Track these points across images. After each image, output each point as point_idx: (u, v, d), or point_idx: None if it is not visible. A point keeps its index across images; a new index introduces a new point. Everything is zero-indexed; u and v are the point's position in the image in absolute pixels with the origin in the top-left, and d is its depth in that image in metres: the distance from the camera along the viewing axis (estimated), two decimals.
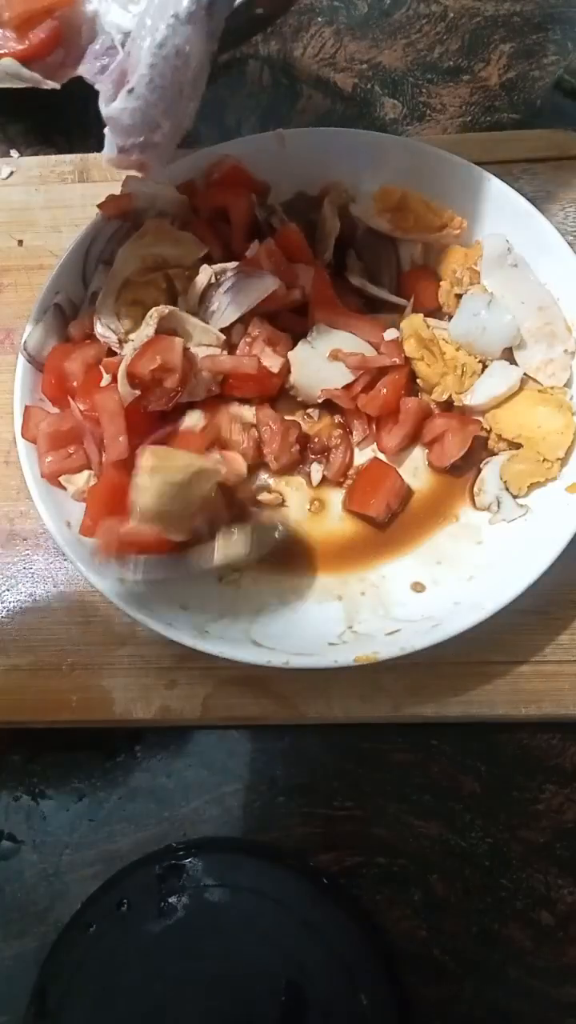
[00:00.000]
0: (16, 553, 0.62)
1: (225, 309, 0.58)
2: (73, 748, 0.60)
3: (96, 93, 0.44)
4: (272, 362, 0.58)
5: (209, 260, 0.59)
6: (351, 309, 0.61)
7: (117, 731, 0.60)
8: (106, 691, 0.58)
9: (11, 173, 0.70)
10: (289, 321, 0.61)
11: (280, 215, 0.61)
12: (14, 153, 0.72)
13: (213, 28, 0.41)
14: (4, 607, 0.61)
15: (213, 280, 0.58)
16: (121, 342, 0.58)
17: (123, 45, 0.43)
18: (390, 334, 0.60)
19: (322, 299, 0.60)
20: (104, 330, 0.58)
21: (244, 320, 0.59)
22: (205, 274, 0.58)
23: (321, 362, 0.59)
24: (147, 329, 0.56)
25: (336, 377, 0.59)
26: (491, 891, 0.57)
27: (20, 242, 0.68)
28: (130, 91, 0.41)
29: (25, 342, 0.59)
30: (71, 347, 0.60)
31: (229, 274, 0.58)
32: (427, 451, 0.61)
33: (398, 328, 0.60)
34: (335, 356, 0.59)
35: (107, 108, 0.42)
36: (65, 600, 0.61)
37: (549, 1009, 0.55)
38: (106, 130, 0.43)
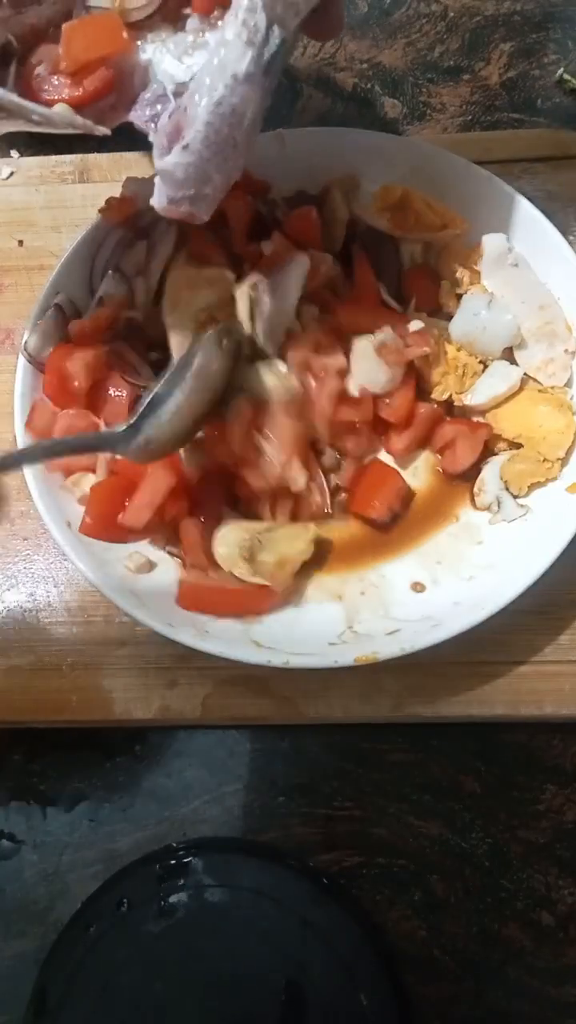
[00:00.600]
0: (16, 553, 0.62)
1: (274, 314, 0.57)
2: (73, 748, 0.60)
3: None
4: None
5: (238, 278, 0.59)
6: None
7: (117, 731, 0.60)
8: (106, 691, 0.58)
9: (11, 173, 0.70)
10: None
11: (283, 208, 0.62)
12: (14, 153, 0.72)
13: (269, 85, 0.42)
14: (4, 607, 0.61)
15: (252, 295, 0.57)
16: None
17: (175, 95, 0.44)
18: (415, 325, 0.60)
19: (364, 290, 0.60)
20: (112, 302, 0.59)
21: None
22: (243, 300, 0.57)
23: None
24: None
25: (378, 378, 0.59)
26: (491, 891, 0.57)
27: (20, 242, 0.68)
28: (185, 147, 0.41)
29: (25, 342, 0.59)
30: (72, 347, 0.60)
31: (254, 278, 0.57)
32: (438, 457, 0.61)
33: None
34: (384, 351, 0.58)
35: (161, 161, 0.42)
36: (65, 600, 0.61)
37: (549, 1009, 0.55)
38: (157, 180, 0.44)
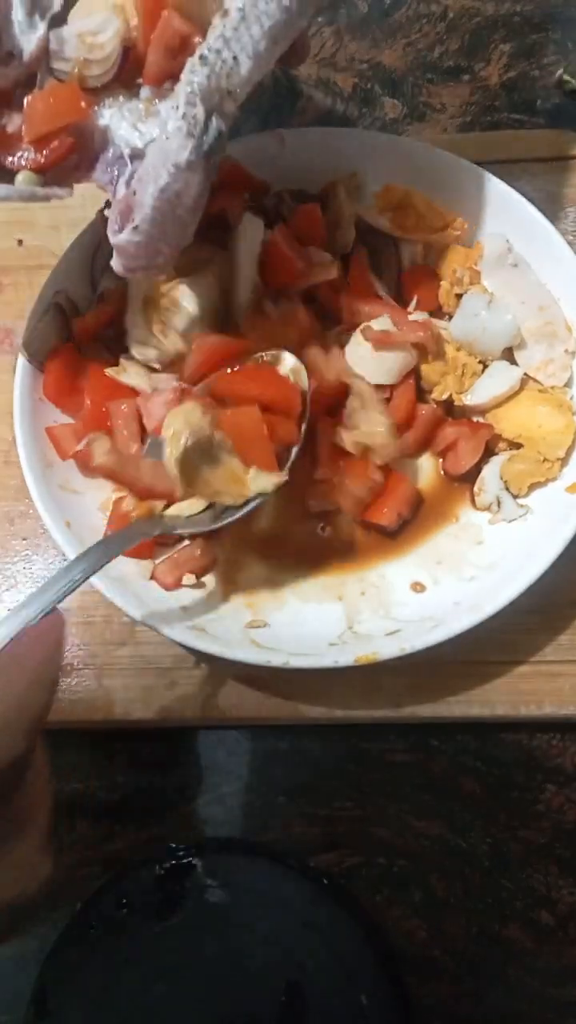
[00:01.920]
0: (16, 553, 0.62)
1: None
2: (73, 748, 0.60)
3: None
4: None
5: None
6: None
7: (117, 731, 0.60)
8: (106, 691, 0.58)
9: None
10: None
11: (289, 203, 0.62)
12: None
13: (211, 167, 0.44)
14: (4, 607, 0.61)
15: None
16: (161, 361, 0.58)
17: (131, 158, 0.46)
18: (416, 316, 0.60)
19: (361, 283, 0.60)
20: (141, 352, 0.58)
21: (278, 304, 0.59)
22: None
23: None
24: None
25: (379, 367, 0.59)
26: (491, 891, 0.57)
27: (20, 242, 0.68)
28: (135, 228, 0.45)
29: (26, 342, 0.59)
30: (72, 347, 0.60)
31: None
32: (440, 460, 0.61)
33: None
34: (382, 340, 0.58)
35: (115, 238, 0.46)
36: (65, 600, 0.61)
37: (549, 1009, 0.55)
38: (114, 250, 0.47)
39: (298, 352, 0.57)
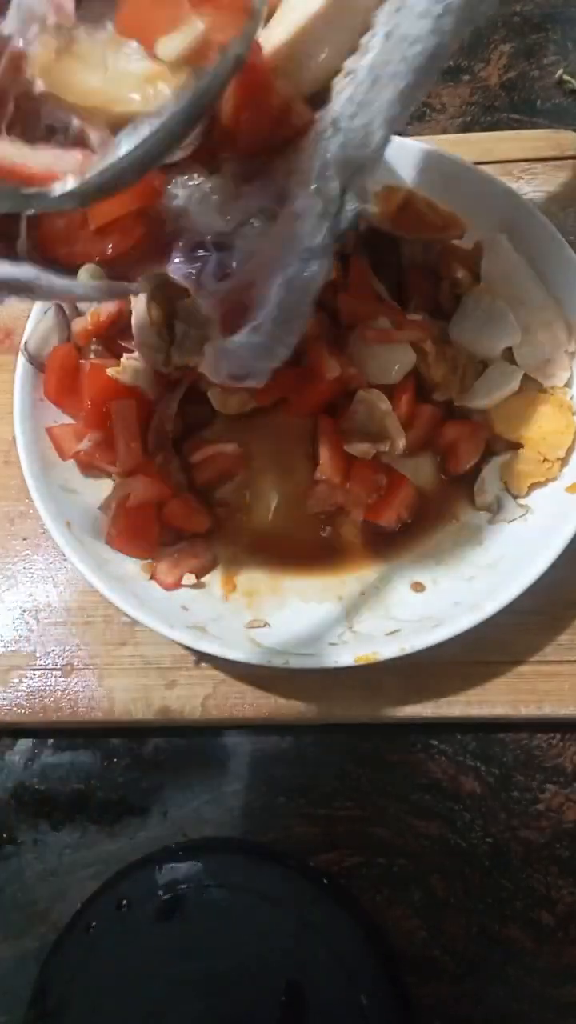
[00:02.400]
0: (16, 553, 0.62)
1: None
2: (73, 748, 0.60)
3: None
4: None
5: None
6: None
7: (117, 731, 0.60)
8: (106, 691, 0.58)
9: None
10: None
11: None
12: None
13: (335, 249, 0.38)
14: (4, 607, 0.61)
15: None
16: (167, 360, 0.57)
17: (216, 246, 0.39)
18: (414, 316, 0.60)
19: (361, 283, 0.60)
20: (150, 355, 0.58)
21: None
22: None
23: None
24: None
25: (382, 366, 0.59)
26: (491, 891, 0.57)
27: None
28: (256, 327, 0.38)
29: (26, 342, 0.59)
30: (72, 347, 0.60)
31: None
32: (440, 459, 0.61)
33: None
34: (381, 338, 0.58)
35: (225, 343, 0.38)
36: (65, 600, 0.61)
37: (549, 1009, 0.55)
38: (212, 352, 0.40)
39: (302, 350, 0.57)
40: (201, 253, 0.39)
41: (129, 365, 0.59)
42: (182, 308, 0.56)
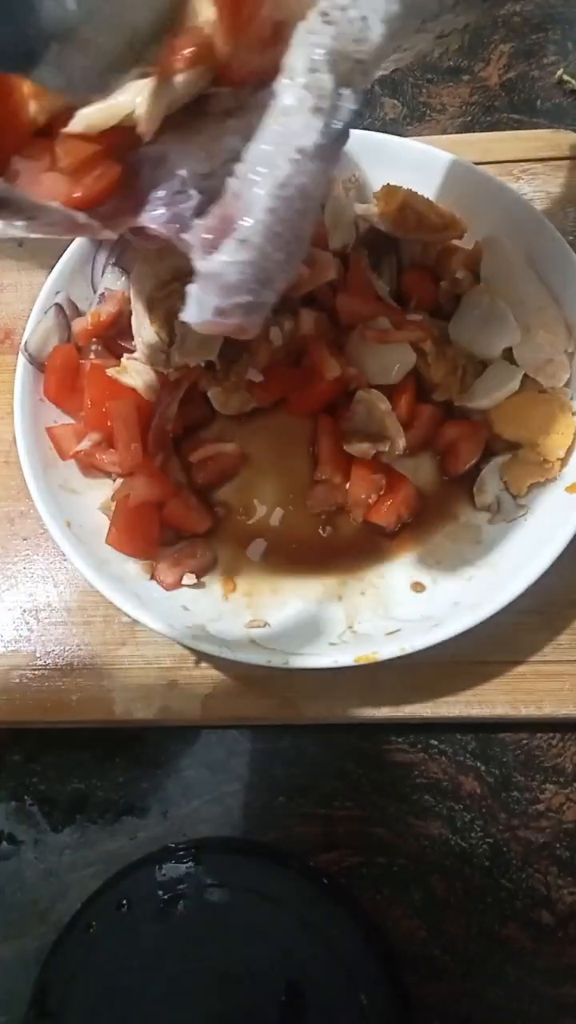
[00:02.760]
0: (16, 553, 0.62)
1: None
2: (73, 748, 0.60)
3: None
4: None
5: None
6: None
7: (117, 731, 0.60)
8: (106, 691, 0.58)
9: None
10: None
11: None
12: None
13: (336, 159, 0.35)
14: (4, 607, 0.61)
15: None
16: (168, 360, 0.57)
17: (199, 190, 0.36)
18: (414, 316, 0.60)
19: (361, 283, 0.60)
20: (150, 354, 0.57)
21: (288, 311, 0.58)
22: None
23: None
24: None
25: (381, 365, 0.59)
26: (491, 891, 0.57)
27: (20, 243, 0.68)
28: (242, 241, 0.32)
29: (26, 342, 0.59)
30: (72, 347, 0.60)
31: None
32: (440, 459, 0.61)
33: None
34: (380, 338, 0.57)
35: (207, 263, 0.33)
36: (65, 600, 0.61)
37: (549, 1009, 0.55)
38: (194, 288, 0.33)
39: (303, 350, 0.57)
40: (181, 204, 0.36)
41: (129, 365, 0.59)
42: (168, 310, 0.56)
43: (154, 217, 0.36)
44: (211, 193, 0.35)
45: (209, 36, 0.35)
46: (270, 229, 0.33)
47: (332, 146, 0.33)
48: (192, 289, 0.34)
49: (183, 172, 0.36)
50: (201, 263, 0.33)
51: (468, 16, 0.44)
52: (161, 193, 0.36)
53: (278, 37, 0.34)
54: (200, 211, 0.35)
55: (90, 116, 0.35)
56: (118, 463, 0.58)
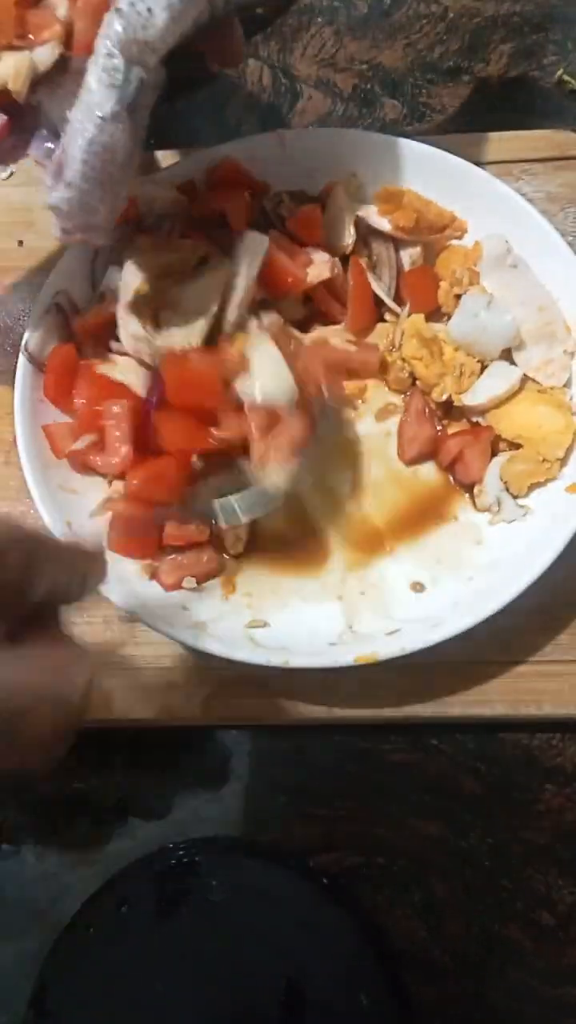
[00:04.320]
0: None
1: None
2: (73, 748, 0.60)
3: None
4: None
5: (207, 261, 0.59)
6: None
7: (117, 731, 0.60)
8: (106, 691, 0.58)
9: (11, 173, 0.70)
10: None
11: (288, 204, 0.62)
12: None
13: (138, 122, 0.45)
14: None
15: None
16: (152, 353, 0.57)
17: (59, 134, 0.47)
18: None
19: (360, 283, 0.61)
20: (134, 344, 0.58)
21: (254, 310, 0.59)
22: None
23: None
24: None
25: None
26: (491, 891, 0.57)
27: (20, 243, 0.68)
28: (67, 184, 0.45)
29: (26, 342, 0.59)
30: (72, 347, 0.60)
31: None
32: (450, 474, 0.61)
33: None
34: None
35: (49, 197, 0.46)
36: None
37: (549, 1009, 0.55)
38: (52, 214, 0.47)
39: None
40: (51, 144, 0.49)
41: (118, 360, 0.59)
42: (170, 298, 0.57)
43: (35, 153, 0.51)
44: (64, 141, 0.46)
45: (58, 15, 0.48)
46: (85, 175, 0.45)
47: (126, 112, 0.44)
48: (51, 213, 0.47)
49: (56, 119, 0.48)
50: (47, 197, 0.46)
51: None
52: (42, 134, 0.51)
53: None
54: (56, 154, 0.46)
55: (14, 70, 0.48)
56: (108, 466, 0.57)
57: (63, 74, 0.49)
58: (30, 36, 0.48)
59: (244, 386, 0.55)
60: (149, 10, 0.43)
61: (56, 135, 0.49)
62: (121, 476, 0.58)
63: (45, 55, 0.48)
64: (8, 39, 0.48)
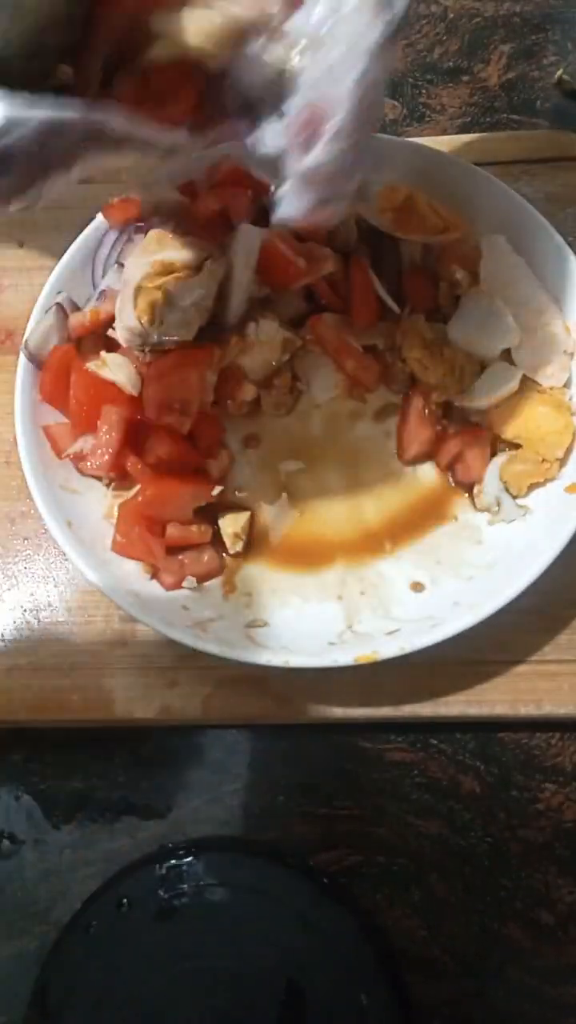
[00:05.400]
0: (17, 553, 0.62)
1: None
2: (73, 748, 0.60)
3: None
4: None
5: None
6: None
7: (117, 731, 0.60)
8: (106, 691, 0.58)
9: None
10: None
11: None
12: None
13: (396, 49, 0.39)
14: (4, 607, 0.61)
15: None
16: (144, 345, 0.57)
17: (270, 97, 0.38)
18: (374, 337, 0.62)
19: (361, 282, 0.61)
20: (128, 337, 0.58)
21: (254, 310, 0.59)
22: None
23: None
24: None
25: None
26: (491, 891, 0.57)
27: (21, 243, 0.68)
28: (336, 132, 0.36)
29: (27, 341, 0.59)
30: (72, 347, 0.60)
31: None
32: (449, 474, 0.61)
33: None
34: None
35: (302, 163, 0.37)
36: (65, 600, 0.61)
37: (549, 1009, 0.55)
38: (286, 191, 0.38)
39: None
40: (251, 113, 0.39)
41: (109, 359, 0.58)
42: (168, 295, 0.57)
43: (243, 133, 0.40)
44: (277, 103, 0.38)
45: None
46: (358, 118, 0.36)
47: (393, 38, 0.37)
48: (286, 190, 0.38)
49: (244, 86, 0.38)
50: (300, 162, 0.37)
51: None
52: (240, 108, 0.39)
53: None
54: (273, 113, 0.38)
55: (208, 26, 0.38)
56: (99, 468, 0.57)
57: (242, 43, 0.38)
58: None
59: None
60: None
61: (247, 112, 0.38)
62: (117, 478, 0.58)
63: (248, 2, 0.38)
64: None
